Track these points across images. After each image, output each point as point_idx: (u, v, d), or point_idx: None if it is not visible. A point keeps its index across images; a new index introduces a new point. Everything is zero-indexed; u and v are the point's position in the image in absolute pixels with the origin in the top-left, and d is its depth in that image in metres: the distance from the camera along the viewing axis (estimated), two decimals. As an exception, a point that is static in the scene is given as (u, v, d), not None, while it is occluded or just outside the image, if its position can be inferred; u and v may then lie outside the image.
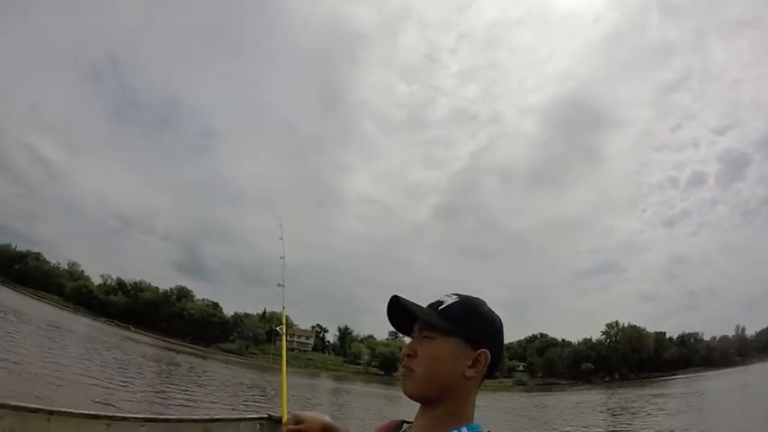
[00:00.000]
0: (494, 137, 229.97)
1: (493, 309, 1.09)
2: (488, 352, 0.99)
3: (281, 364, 2.25)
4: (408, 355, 1.01)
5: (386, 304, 1.04)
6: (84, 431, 1.62)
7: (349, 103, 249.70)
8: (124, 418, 1.74)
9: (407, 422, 1.11)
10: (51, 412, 1.55)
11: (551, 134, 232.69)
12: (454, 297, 1.05)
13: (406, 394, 1.01)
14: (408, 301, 1.03)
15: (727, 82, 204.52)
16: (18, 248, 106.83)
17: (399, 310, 1.05)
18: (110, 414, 1.72)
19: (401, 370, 1.03)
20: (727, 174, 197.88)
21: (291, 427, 1.59)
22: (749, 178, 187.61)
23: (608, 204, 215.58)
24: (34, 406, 1.56)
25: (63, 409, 1.59)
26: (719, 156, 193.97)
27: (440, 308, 1.02)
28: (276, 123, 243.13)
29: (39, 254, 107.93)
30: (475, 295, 1.08)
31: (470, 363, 0.98)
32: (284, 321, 2.46)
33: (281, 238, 2.81)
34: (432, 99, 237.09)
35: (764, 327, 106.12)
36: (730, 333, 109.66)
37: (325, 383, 46.39)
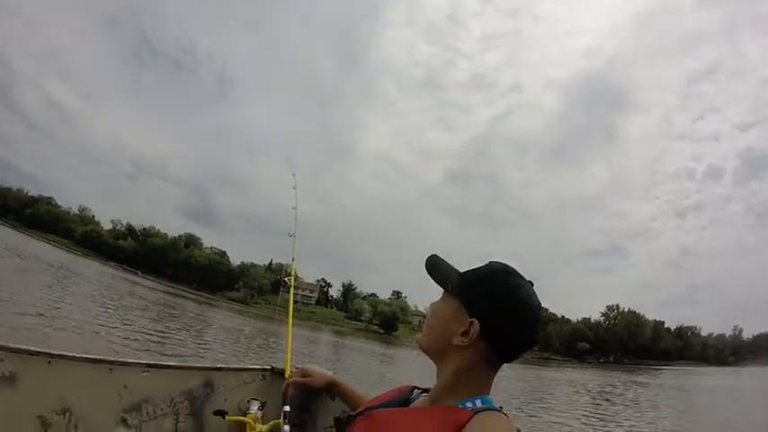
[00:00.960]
0: (512, 106, 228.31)
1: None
2: (477, 322, 0.94)
3: (286, 317, 2.16)
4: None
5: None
6: (85, 375, 1.55)
7: (370, 59, 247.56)
8: (126, 363, 1.67)
9: (419, 388, 1.11)
10: (52, 355, 1.48)
11: (572, 109, 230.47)
12: (480, 265, 1.05)
13: (417, 343, 1.06)
14: (438, 260, 1.10)
15: (757, 79, 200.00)
16: (30, 193, 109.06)
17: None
18: (111, 359, 1.65)
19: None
20: (746, 172, 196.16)
21: (298, 379, 1.53)
22: (767, 179, 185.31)
23: (622, 187, 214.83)
24: (35, 349, 1.48)
25: (64, 353, 1.52)
26: (739, 152, 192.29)
27: (462, 271, 1.06)
28: (295, 75, 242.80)
29: (50, 198, 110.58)
30: (477, 264, 1.04)
31: (462, 330, 0.95)
32: (293, 273, 2.36)
33: (295, 188, 2.69)
34: (452, 62, 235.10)
35: (762, 331, 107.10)
36: (727, 332, 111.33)
37: (326, 337, 47.22)
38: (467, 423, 0.81)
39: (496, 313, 0.95)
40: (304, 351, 23.30)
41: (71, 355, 1.53)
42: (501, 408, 0.93)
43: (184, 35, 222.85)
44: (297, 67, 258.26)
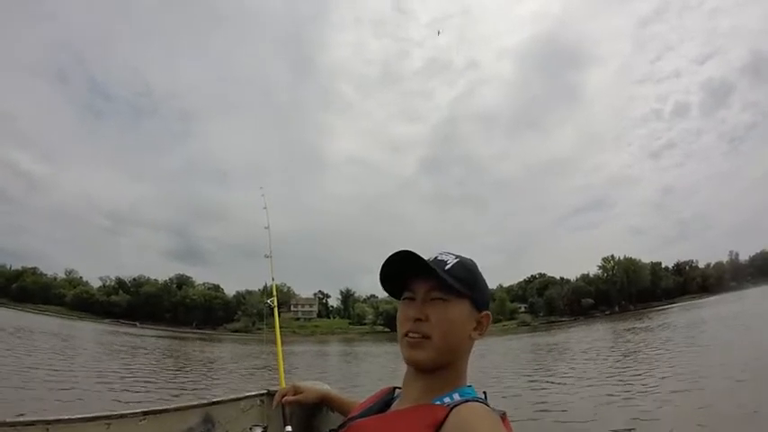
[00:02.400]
0: (472, 83, 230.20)
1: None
2: (490, 314, 1.00)
3: (276, 339, 2.14)
4: (419, 320, 0.94)
5: (383, 261, 0.98)
6: None
7: (322, 65, 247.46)
8: (122, 416, 1.62)
9: (399, 388, 1.06)
10: (49, 422, 1.44)
11: (530, 75, 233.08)
12: (453, 257, 1.01)
13: (417, 362, 0.94)
14: (423, 258, 0.96)
15: (705, 11, 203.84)
16: (13, 267, 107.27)
17: (395, 270, 0.99)
18: (107, 413, 1.61)
19: (407, 336, 0.95)
20: (711, 102, 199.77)
21: (290, 397, 1.52)
22: (734, 105, 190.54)
23: (593, 141, 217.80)
24: (32, 419, 1.44)
25: (61, 417, 1.48)
26: (702, 85, 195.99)
27: (446, 268, 0.97)
28: (253, 95, 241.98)
29: (35, 268, 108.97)
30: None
31: (475, 325, 0.97)
32: (275, 293, 2.35)
33: (265, 208, 2.69)
34: (405, 52, 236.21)
35: (757, 251, 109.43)
36: (724, 259, 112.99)
37: (334, 348, 47.10)
38: (445, 420, 0.80)
39: (488, 302, 1.02)
40: (314, 366, 23.17)
41: (67, 417, 1.51)
42: (485, 393, 0.95)
43: (136, 76, 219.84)
44: (252, 85, 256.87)
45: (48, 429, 1.44)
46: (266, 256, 2.61)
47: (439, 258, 1.00)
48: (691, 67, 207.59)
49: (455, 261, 0.99)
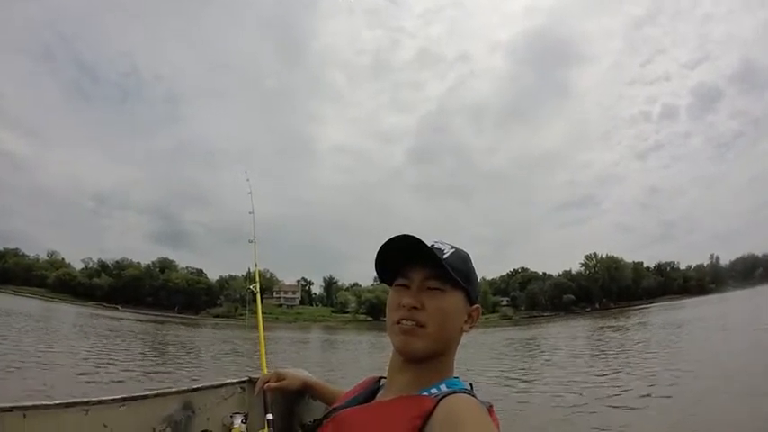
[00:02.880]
0: (463, 76, 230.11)
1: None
2: (480, 308, 1.00)
3: (258, 325, 2.11)
4: (414, 308, 0.91)
5: (370, 251, 0.96)
6: (62, 421, 1.49)
7: (313, 53, 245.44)
8: (101, 402, 1.60)
9: (385, 378, 1.04)
10: (27, 407, 1.41)
11: (521, 70, 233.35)
12: (449, 246, 0.99)
13: (411, 351, 0.91)
14: (425, 244, 0.92)
15: (698, 16, 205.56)
16: None
17: (391, 255, 0.95)
18: (86, 399, 1.58)
19: (400, 323, 0.91)
20: (700, 107, 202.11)
21: (272, 384, 1.49)
22: (722, 111, 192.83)
23: (582, 138, 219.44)
24: (9, 405, 1.41)
25: (39, 403, 1.45)
26: (692, 89, 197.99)
27: (444, 257, 0.94)
28: (242, 80, 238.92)
29: (17, 249, 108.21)
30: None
31: (466, 318, 0.97)
32: (258, 279, 2.32)
33: (250, 193, 2.66)
34: (397, 42, 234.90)
35: (738, 256, 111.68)
36: (705, 262, 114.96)
37: (316, 335, 47.10)
38: (432, 411, 0.78)
39: (479, 295, 1.02)
40: (294, 356, 23.02)
41: (45, 403, 1.49)
42: (471, 385, 0.92)
43: (123, 57, 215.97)
44: (241, 70, 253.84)
45: (25, 415, 1.41)
46: (250, 242, 2.58)
47: (436, 247, 0.96)
48: (681, 72, 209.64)
49: (452, 251, 0.97)
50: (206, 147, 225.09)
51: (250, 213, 2.70)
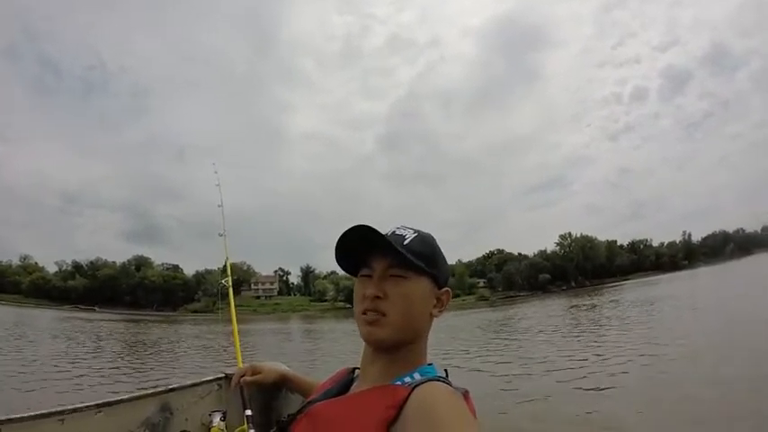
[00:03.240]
0: (433, 61, 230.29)
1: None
2: (450, 291, 0.98)
3: (232, 320, 2.09)
4: (377, 297, 0.89)
5: (338, 237, 0.93)
6: None
7: (283, 40, 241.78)
8: (76, 410, 1.58)
9: (358, 368, 1.02)
10: (1, 422, 1.37)
11: (492, 55, 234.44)
12: (411, 231, 0.97)
13: (376, 341, 0.90)
14: (380, 232, 0.90)
15: (668, 1, 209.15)
16: None
17: (352, 246, 0.93)
18: (60, 409, 1.56)
19: (365, 314, 0.90)
20: (669, 89, 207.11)
21: (248, 378, 1.48)
22: (691, 93, 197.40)
23: (552, 121, 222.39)
24: None
25: (13, 416, 1.43)
26: (661, 71, 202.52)
27: (405, 243, 0.92)
28: (211, 70, 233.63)
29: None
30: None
31: (435, 302, 0.95)
32: (230, 273, 2.29)
33: (218, 185, 2.62)
34: (367, 28, 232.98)
35: (709, 232, 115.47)
36: (677, 239, 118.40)
37: (295, 326, 46.98)
38: (406, 400, 0.77)
39: (448, 278, 1.00)
40: (273, 350, 22.80)
41: (19, 416, 1.50)
42: (446, 371, 0.92)
43: (88, 50, 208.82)
44: (210, 61, 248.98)
45: (0, 430, 1.37)
46: (220, 235, 2.55)
47: (397, 233, 0.95)
48: (652, 54, 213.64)
49: (414, 236, 0.95)
50: (176, 139, 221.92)
51: (219, 206, 2.67)
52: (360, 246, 0.93)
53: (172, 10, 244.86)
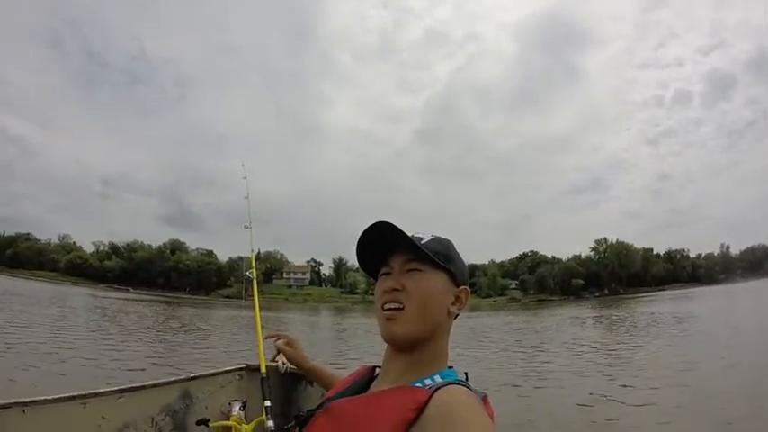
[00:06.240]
0: (471, 56, 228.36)
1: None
2: (468, 289, 0.99)
3: (255, 313, 2.11)
4: (395, 290, 0.91)
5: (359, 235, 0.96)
6: (61, 415, 1.52)
7: (321, 34, 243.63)
8: (99, 394, 1.62)
9: (379, 367, 1.03)
10: (26, 403, 1.42)
11: (531, 52, 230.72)
12: (428, 234, 1.00)
13: (395, 336, 0.91)
14: (399, 228, 0.92)
15: (713, 1, 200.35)
16: (6, 233, 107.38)
17: (372, 247, 0.97)
18: (84, 392, 1.60)
19: (384, 310, 0.91)
20: (713, 94, 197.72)
21: (281, 343, 1.59)
22: (735, 99, 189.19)
23: (592, 122, 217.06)
24: (8, 401, 1.42)
25: (37, 398, 1.47)
26: (705, 75, 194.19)
27: (422, 242, 0.94)
28: (251, 63, 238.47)
29: (28, 234, 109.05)
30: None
31: (453, 300, 0.95)
32: (254, 265, 2.32)
33: (245, 178, 2.63)
34: (404, 22, 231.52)
35: (749, 246, 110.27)
36: (715, 251, 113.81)
37: (325, 319, 47.33)
38: (426, 404, 0.76)
39: (466, 277, 1.00)
40: (303, 338, 23.10)
41: (43, 398, 1.52)
42: (467, 374, 0.93)
43: (132, 42, 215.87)
44: (250, 55, 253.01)
45: (24, 411, 1.43)
46: (246, 227, 2.57)
47: (415, 236, 0.96)
48: (695, 57, 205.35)
49: (431, 238, 0.98)
50: (215, 129, 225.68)
51: (245, 198, 2.69)
52: (379, 245, 0.95)
53: (212, 3, 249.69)
